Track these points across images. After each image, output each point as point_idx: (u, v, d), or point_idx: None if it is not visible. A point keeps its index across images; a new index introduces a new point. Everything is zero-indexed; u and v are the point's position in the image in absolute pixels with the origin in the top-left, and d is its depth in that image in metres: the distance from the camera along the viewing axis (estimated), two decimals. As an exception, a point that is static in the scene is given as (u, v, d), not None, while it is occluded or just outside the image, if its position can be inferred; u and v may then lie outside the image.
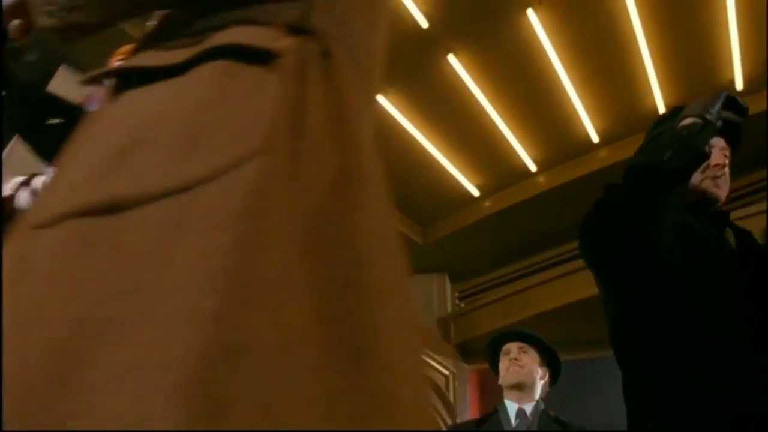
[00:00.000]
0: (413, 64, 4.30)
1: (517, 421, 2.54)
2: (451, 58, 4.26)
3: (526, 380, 2.63)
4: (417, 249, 5.38)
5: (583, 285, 4.87)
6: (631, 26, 4.06)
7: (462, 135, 4.81)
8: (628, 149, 4.62)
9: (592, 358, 4.59)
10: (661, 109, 4.53)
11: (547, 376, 2.75)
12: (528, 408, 2.58)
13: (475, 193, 5.24)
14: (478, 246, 5.37)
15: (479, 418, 2.85)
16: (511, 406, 2.61)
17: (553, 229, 5.17)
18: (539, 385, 2.68)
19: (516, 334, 2.85)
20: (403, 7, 3.97)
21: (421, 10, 4.01)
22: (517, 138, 4.81)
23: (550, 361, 2.78)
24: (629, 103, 4.55)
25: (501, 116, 4.63)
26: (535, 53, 4.23)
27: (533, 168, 5.00)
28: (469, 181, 5.18)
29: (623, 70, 4.35)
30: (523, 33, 4.13)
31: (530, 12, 4.01)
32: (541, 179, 5.05)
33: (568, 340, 4.96)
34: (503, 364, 2.72)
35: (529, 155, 4.94)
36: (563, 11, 4.03)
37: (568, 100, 4.50)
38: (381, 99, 4.52)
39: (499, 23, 4.10)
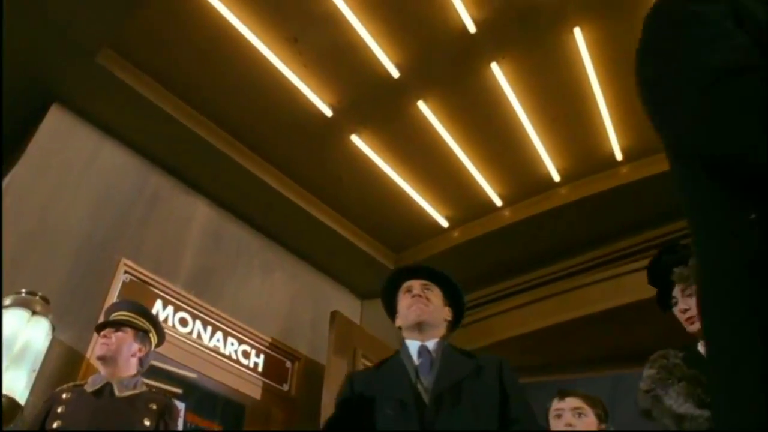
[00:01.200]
0: (386, 110, 4.62)
1: (421, 359, 2.27)
2: (421, 105, 4.57)
3: (429, 319, 2.37)
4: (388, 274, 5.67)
5: (541, 315, 5.23)
6: (587, 77, 4.38)
7: (432, 172, 5.12)
8: (586, 187, 5.04)
9: (548, 381, 4.93)
10: (617, 151, 4.86)
11: (450, 317, 2.50)
12: (431, 344, 2.33)
13: (445, 224, 5.55)
14: (447, 274, 5.68)
15: (379, 362, 2.54)
16: (413, 344, 2.35)
17: (517, 260, 5.50)
18: (443, 327, 2.44)
19: (420, 270, 2.56)
20: (376, 59, 4.26)
21: (393, 61, 4.31)
22: (484, 176, 5.12)
23: (454, 300, 2.54)
24: (587, 144, 4.88)
25: (468, 156, 4.94)
26: (500, 101, 4.54)
27: (499, 203, 5.31)
28: (439, 213, 5.48)
29: (581, 115, 4.67)
30: (489, 83, 4.44)
31: (494, 65, 4.33)
32: (506, 213, 5.36)
33: (527, 367, 5.30)
34: (404, 302, 2.45)
35: (495, 191, 5.25)
36: (524, 64, 4.35)
37: (531, 142, 4.82)
38: (357, 140, 4.82)
39: (466, 74, 4.41)
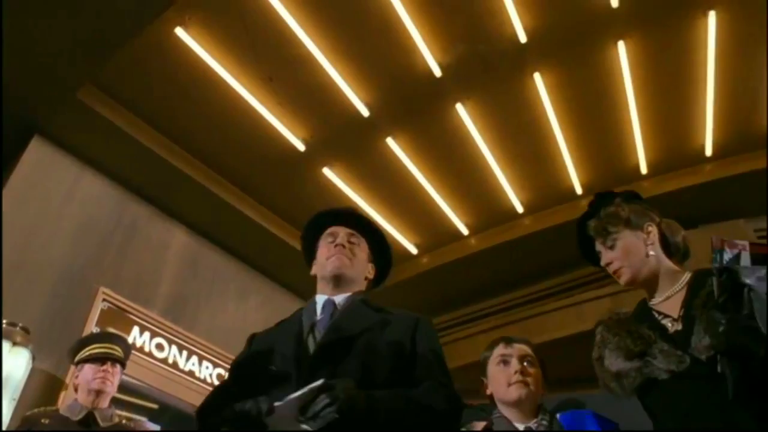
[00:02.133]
0: (357, 145, 4.85)
1: (323, 314, 1.90)
2: (390, 141, 4.79)
3: (348, 273, 1.99)
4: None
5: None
6: (547, 117, 4.63)
7: (401, 202, 5.35)
8: (548, 218, 5.29)
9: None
10: (576, 186, 5.13)
11: (372, 275, 2.12)
12: (339, 298, 1.94)
13: (414, 250, 5.77)
14: (414, 298, 5.87)
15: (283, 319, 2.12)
16: (321, 298, 1.97)
17: (482, 286, 5.74)
18: (362, 285, 2.05)
19: (348, 215, 2.15)
20: (347, 98, 4.48)
21: (363, 101, 4.53)
22: (451, 207, 5.36)
23: (380, 257, 2.15)
24: (548, 179, 5.13)
25: (436, 189, 5.19)
26: (465, 138, 4.79)
27: (465, 232, 5.55)
28: (409, 240, 5.70)
29: (542, 152, 4.93)
30: (454, 122, 4.69)
31: (459, 106, 4.57)
32: (473, 241, 5.60)
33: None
34: (324, 249, 2.04)
35: (462, 221, 5.49)
36: (488, 105, 4.60)
37: (495, 176, 5.06)
38: (329, 172, 5.04)
39: (433, 113, 4.66)
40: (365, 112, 4.58)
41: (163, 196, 5.08)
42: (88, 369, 3.32)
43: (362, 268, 2.04)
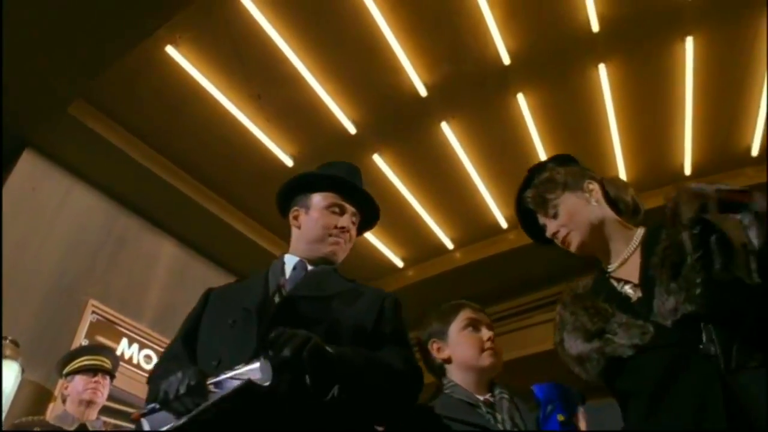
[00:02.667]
0: (344, 161, 4.90)
1: (293, 273, 1.79)
2: (377, 158, 4.89)
3: (340, 257, 1.91)
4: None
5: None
6: (530, 136, 4.74)
7: (388, 217, 5.36)
8: (531, 234, 5.36)
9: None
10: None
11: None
12: (311, 264, 1.84)
13: (399, 264, 5.86)
14: (401, 311, 5.99)
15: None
16: (292, 259, 1.86)
17: (467, 299, 5.81)
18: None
19: (360, 192, 2.01)
20: (334, 116, 4.57)
21: (350, 118, 4.63)
22: (437, 221, 5.46)
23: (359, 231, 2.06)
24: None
25: (422, 204, 5.30)
26: (450, 155, 4.89)
27: (450, 246, 5.64)
28: (395, 253, 5.79)
29: (526, 169, 4.99)
30: (439, 139, 4.80)
31: (444, 124, 4.67)
32: (457, 255, 5.70)
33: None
34: (325, 219, 1.89)
35: (447, 235, 5.59)
36: (473, 124, 4.71)
37: (479, 192, 5.16)
38: (315, 187, 5.11)
39: (418, 131, 4.77)
40: (352, 130, 4.68)
41: (152, 210, 5.15)
42: (80, 380, 3.42)
43: (348, 249, 1.95)
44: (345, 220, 1.91)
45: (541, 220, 1.79)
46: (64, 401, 3.47)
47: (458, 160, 4.90)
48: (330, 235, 1.87)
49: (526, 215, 1.86)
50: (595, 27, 4.09)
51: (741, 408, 1.27)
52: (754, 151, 4.82)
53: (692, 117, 4.62)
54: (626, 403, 1.55)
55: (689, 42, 4.17)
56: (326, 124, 4.65)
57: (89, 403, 3.37)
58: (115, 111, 4.59)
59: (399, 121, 4.67)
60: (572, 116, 4.66)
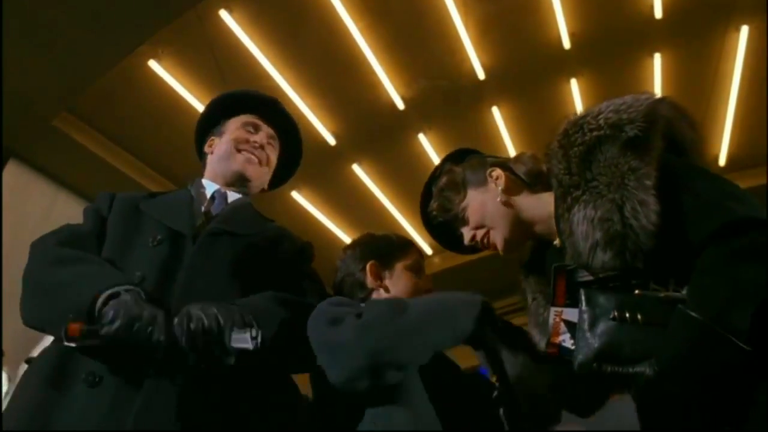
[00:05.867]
0: (324, 170, 5.05)
1: (214, 203, 1.67)
2: (356, 167, 5.01)
3: (256, 182, 1.77)
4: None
5: (465, 355, 5.69)
6: (506, 147, 4.90)
7: (366, 224, 5.50)
8: (507, 240, 5.51)
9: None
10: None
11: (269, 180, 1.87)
12: (232, 195, 1.72)
13: (380, 269, 5.99)
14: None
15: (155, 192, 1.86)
16: (211, 186, 1.73)
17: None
18: (257, 190, 1.82)
19: (277, 110, 1.89)
20: (314, 128, 4.69)
21: (330, 130, 4.75)
22: (414, 228, 5.57)
23: (286, 167, 1.95)
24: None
25: (399, 211, 5.42)
26: (427, 165, 4.91)
27: (429, 251, 5.77)
28: (375, 258, 5.92)
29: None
30: (417, 150, 4.93)
31: (421, 135, 4.80)
32: (436, 260, 5.83)
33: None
34: (236, 134, 1.76)
35: (425, 241, 5.70)
36: (448, 135, 4.84)
37: (456, 200, 5.29)
38: (297, 195, 5.24)
39: (396, 142, 4.90)
40: (332, 141, 4.79)
41: (136, 217, 5.22)
42: None
43: (267, 176, 1.82)
44: (259, 137, 1.76)
45: (458, 230, 1.56)
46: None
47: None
48: (240, 151, 1.72)
49: (440, 229, 1.64)
50: (567, 44, 4.22)
51: None
52: (722, 161, 4.98)
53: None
54: None
55: (657, 59, 4.32)
56: (306, 135, 4.65)
57: None
58: (98, 122, 4.67)
59: (378, 133, 4.80)
60: (546, 128, 4.73)
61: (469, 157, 1.63)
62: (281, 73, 4.35)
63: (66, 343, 1.23)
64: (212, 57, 4.26)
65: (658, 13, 4.08)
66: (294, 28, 4.15)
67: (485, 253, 5.39)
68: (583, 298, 1.24)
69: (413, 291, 1.76)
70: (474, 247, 1.59)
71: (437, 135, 4.83)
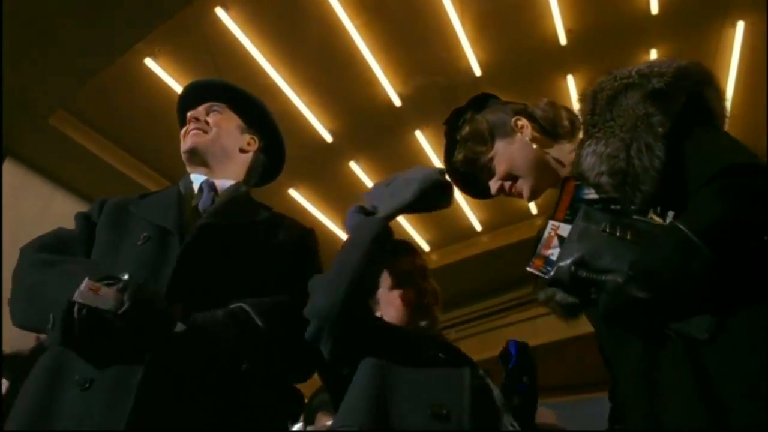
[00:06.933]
0: (322, 168, 5.07)
1: (202, 195, 1.64)
2: (353, 164, 5.01)
3: (206, 147, 1.71)
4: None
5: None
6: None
7: (364, 221, 5.57)
8: (505, 237, 5.53)
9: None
10: (531, 205, 5.38)
11: (255, 146, 1.83)
12: (221, 183, 1.69)
13: (377, 266, 6.00)
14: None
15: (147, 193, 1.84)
16: (198, 177, 1.71)
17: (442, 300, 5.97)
18: (240, 161, 1.77)
19: (205, 87, 1.85)
20: (311, 126, 4.69)
21: (327, 128, 4.75)
22: (412, 225, 5.60)
23: (261, 128, 1.88)
24: (504, 199, 5.33)
25: (397, 208, 5.41)
26: (424, 162, 5.00)
27: (426, 248, 5.79)
28: (372, 256, 5.93)
29: (498, 175, 5.17)
30: (414, 147, 4.93)
31: (418, 132, 4.80)
32: (434, 257, 5.84)
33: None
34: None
35: (423, 238, 5.73)
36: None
37: (454, 197, 5.28)
38: (295, 193, 5.24)
39: (393, 139, 4.89)
40: (329, 138, 4.79)
41: (133, 215, 5.22)
42: None
43: (229, 140, 1.75)
44: (196, 112, 1.75)
45: (481, 179, 1.61)
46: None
47: (432, 167, 5.03)
48: (184, 134, 1.74)
49: (465, 178, 1.70)
50: (563, 40, 4.23)
51: None
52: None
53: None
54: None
55: (653, 54, 4.33)
56: (304, 133, 4.76)
57: None
58: (95, 120, 4.67)
59: (374, 131, 4.80)
60: (543, 124, 4.80)
61: (490, 103, 1.67)
62: (278, 71, 4.35)
63: (76, 299, 1.19)
64: (209, 55, 4.25)
65: (654, 9, 4.08)
66: (290, 25, 4.15)
67: (483, 250, 5.43)
68: (581, 213, 1.28)
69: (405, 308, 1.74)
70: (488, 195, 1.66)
71: (434, 132, 4.83)
